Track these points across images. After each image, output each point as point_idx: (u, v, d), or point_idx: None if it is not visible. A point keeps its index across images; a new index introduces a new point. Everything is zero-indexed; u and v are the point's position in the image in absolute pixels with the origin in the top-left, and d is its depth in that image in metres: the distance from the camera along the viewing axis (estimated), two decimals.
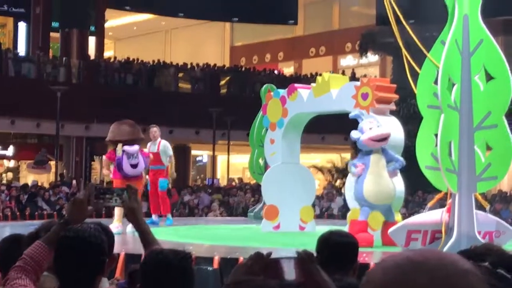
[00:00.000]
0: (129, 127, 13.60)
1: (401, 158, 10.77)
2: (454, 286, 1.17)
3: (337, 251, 3.48)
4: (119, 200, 3.11)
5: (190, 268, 2.75)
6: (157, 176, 14.52)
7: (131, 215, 3.12)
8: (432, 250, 1.25)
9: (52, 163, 27.84)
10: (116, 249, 3.23)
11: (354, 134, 10.84)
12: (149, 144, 14.68)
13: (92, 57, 31.21)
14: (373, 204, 10.66)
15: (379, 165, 10.78)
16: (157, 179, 14.50)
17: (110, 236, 2.95)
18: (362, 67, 36.47)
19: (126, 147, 13.13)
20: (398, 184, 11.84)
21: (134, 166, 13.16)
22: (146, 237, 3.10)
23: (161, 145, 14.47)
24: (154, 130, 14.66)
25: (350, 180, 12.02)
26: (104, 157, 13.63)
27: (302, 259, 2.56)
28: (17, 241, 3.89)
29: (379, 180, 10.68)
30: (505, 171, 9.24)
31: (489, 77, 9.04)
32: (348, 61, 38.21)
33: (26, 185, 22.41)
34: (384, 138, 10.69)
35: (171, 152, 14.63)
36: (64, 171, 28.06)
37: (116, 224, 12.43)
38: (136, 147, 13.23)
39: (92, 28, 32.10)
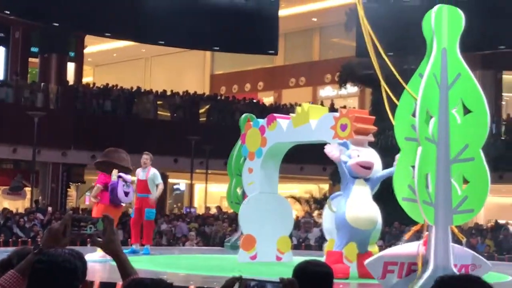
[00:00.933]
0: (126, 156, 13.40)
1: (391, 169, 10.88)
2: None
3: (313, 281, 3.47)
4: (93, 229, 3.06)
5: None
6: (144, 204, 14.34)
7: (109, 245, 3.06)
8: None
9: (28, 189, 27.58)
10: (91, 277, 3.17)
11: (343, 158, 10.88)
12: (138, 171, 14.56)
13: (71, 82, 31.12)
14: (354, 229, 10.62)
15: (363, 192, 10.83)
16: (143, 207, 14.33)
17: (83, 262, 2.91)
18: (341, 98, 36.67)
19: (123, 174, 12.95)
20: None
21: (127, 194, 13.01)
22: (124, 267, 3.04)
23: (150, 173, 14.34)
24: (146, 157, 14.56)
25: (327, 210, 11.99)
26: (95, 183, 13.32)
27: (285, 286, 2.56)
28: None
29: (362, 205, 10.73)
30: (482, 204, 9.24)
31: (466, 111, 9.08)
32: (327, 92, 38.42)
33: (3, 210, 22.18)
34: (370, 167, 10.82)
35: (159, 180, 14.44)
36: (40, 197, 27.80)
37: (101, 253, 12.18)
38: (130, 176, 13.10)
39: (72, 54, 32.05)
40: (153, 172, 14.37)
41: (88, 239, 3.10)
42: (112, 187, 12.81)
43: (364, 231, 10.76)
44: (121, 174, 12.89)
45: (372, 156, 11.73)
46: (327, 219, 12.00)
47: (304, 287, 3.26)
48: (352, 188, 10.81)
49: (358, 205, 10.75)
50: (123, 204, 13.47)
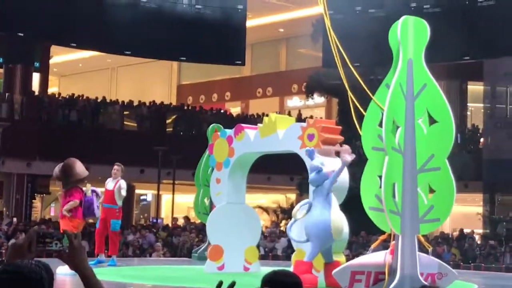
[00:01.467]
0: (79, 164, 13.01)
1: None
2: None
3: None
4: (59, 244, 3.02)
5: None
6: (109, 215, 14.22)
7: (74, 261, 3.01)
8: None
9: None
10: None
11: (316, 163, 10.84)
12: (107, 181, 14.45)
13: (36, 93, 30.83)
14: (330, 238, 10.60)
15: (336, 201, 10.90)
16: (109, 218, 14.20)
17: (50, 273, 2.87)
18: (308, 109, 36.80)
19: (95, 188, 12.85)
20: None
21: (97, 207, 12.94)
22: (89, 283, 3.00)
23: (117, 184, 14.23)
24: (116, 168, 14.45)
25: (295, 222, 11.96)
26: (75, 200, 12.69)
27: None
28: None
29: (341, 214, 10.76)
30: (447, 213, 9.33)
31: (432, 121, 9.18)
32: (294, 102, 38.55)
33: None
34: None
35: (124, 193, 14.29)
36: (4, 208, 27.45)
37: None
38: (92, 187, 12.91)
39: (37, 64, 31.74)
40: (120, 183, 14.26)
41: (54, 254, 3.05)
42: (88, 203, 12.60)
43: (333, 240, 10.77)
44: (93, 188, 12.76)
45: (336, 166, 11.80)
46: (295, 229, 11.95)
47: None
48: (332, 196, 10.79)
49: (340, 214, 10.76)
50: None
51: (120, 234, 21.07)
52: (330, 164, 11.43)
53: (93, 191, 12.71)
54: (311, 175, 10.88)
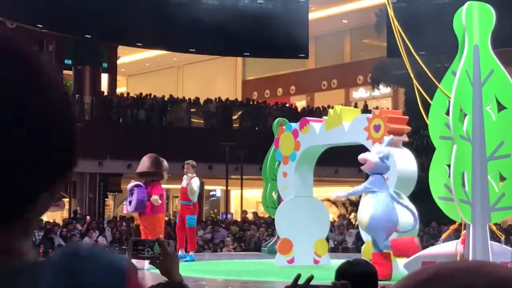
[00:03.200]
0: (146, 159, 13.50)
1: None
2: None
3: (358, 281, 3.40)
4: (150, 252, 3.10)
5: None
6: (184, 211, 14.45)
7: (167, 268, 3.08)
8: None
9: (66, 200, 27.90)
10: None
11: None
12: (183, 178, 14.70)
13: (105, 93, 31.43)
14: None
15: None
16: (185, 214, 14.43)
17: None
18: (375, 100, 36.49)
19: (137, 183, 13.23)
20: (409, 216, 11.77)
21: (129, 203, 13.17)
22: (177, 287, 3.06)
23: (190, 181, 14.43)
24: (185, 166, 14.67)
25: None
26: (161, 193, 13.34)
27: None
28: None
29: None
30: None
31: (501, 107, 9.02)
32: (360, 93, 38.26)
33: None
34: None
35: (195, 188, 14.39)
36: (78, 207, 28.10)
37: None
38: (131, 183, 13.28)
39: (105, 65, 32.36)
40: (192, 180, 14.40)
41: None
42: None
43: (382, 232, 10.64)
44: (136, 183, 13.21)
45: (404, 157, 11.71)
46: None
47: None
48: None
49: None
50: (149, 214, 13.49)
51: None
52: (398, 155, 11.35)
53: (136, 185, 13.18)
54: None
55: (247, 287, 10.27)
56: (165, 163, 13.30)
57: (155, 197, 12.84)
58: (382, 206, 10.40)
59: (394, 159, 11.72)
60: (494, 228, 9.29)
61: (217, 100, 31.92)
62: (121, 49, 34.34)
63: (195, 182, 14.41)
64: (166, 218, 23.62)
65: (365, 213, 10.66)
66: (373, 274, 3.54)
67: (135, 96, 31.13)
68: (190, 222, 14.42)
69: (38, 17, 27.34)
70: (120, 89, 37.19)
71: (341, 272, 3.52)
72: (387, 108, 32.36)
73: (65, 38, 30.51)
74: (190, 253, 14.65)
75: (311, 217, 13.53)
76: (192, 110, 30.98)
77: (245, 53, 33.47)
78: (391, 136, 11.13)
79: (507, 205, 9.00)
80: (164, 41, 30.81)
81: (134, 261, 3.08)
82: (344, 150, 14.61)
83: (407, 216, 10.45)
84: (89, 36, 28.93)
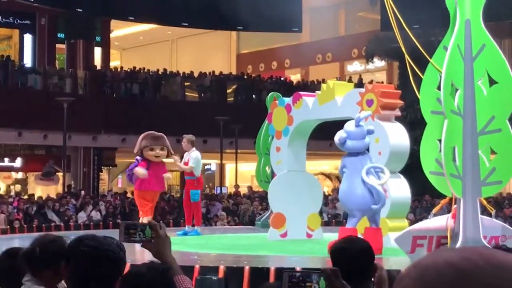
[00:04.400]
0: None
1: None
2: None
3: (357, 258, 3.37)
4: (142, 235, 3.09)
5: (169, 282, 2.71)
6: (188, 186, 14.49)
7: (157, 253, 3.08)
8: (489, 254, 0.95)
9: (60, 174, 27.90)
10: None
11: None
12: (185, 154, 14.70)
13: (98, 67, 31.30)
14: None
15: None
16: (188, 189, 14.46)
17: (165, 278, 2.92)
18: (369, 73, 36.43)
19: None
20: (403, 190, 11.80)
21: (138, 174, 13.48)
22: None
23: (189, 157, 14.43)
24: (183, 141, 14.67)
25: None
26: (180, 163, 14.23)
27: (328, 276, 2.53)
28: (14, 256, 3.87)
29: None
30: (510, 175, 9.19)
31: (492, 82, 9.00)
32: (355, 67, 38.18)
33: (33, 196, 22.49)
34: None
35: (191, 163, 14.36)
36: (72, 182, 28.11)
37: None
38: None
39: (98, 39, 32.20)
40: (191, 154, 14.38)
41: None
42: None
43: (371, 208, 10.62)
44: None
45: (396, 131, 11.71)
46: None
47: (344, 265, 3.16)
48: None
49: None
50: (159, 187, 13.77)
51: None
52: (390, 129, 11.34)
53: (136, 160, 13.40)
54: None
55: (240, 261, 10.30)
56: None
57: (167, 175, 13.63)
58: (348, 185, 10.37)
59: (387, 133, 11.73)
60: (484, 202, 9.31)
61: (212, 74, 31.82)
62: (114, 22, 34.15)
63: (194, 156, 14.33)
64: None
65: (339, 193, 10.81)
66: (370, 250, 3.52)
67: (128, 70, 31.02)
68: (194, 196, 14.43)
69: None
70: (114, 63, 37.03)
71: (338, 251, 3.46)
72: (382, 82, 32.33)
73: (58, 11, 30.32)
74: (196, 227, 14.69)
75: (304, 191, 13.56)
76: (186, 84, 30.90)
77: (238, 27, 33.31)
78: (368, 113, 11.08)
79: (497, 180, 9.02)
80: (156, 15, 30.66)
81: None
82: (339, 123, 14.58)
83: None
84: (81, 10, 28.74)
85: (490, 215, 9.62)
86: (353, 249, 3.43)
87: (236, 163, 29.14)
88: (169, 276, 2.71)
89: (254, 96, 30.89)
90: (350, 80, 28.51)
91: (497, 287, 0.90)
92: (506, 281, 0.91)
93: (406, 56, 9.92)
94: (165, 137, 13.84)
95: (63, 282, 3.53)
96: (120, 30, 38.90)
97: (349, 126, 10.53)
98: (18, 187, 31.41)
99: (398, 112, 12.23)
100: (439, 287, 0.91)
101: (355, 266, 3.26)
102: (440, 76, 8.95)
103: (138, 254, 9.14)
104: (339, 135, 10.48)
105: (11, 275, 3.69)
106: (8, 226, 17.87)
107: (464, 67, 8.89)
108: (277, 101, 14.37)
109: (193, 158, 14.30)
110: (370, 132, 10.55)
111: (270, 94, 17.02)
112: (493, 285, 0.90)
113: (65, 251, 3.06)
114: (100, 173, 31.06)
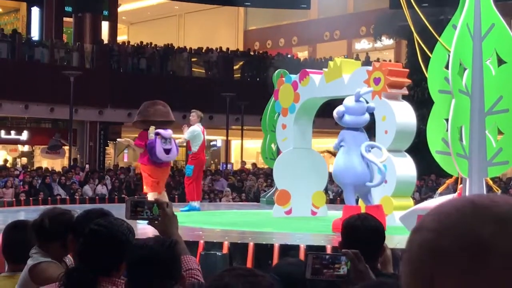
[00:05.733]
0: (163, 107, 12.62)
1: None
2: None
3: (370, 236, 3.32)
4: (149, 213, 3.10)
5: (175, 256, 2.72)
6: (187, 161, 14.40)
7: (164, 231, 3.08)
8: (503, 196, 0.99)
9: (66, 148, 27.96)
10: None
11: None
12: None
13: (105, 41, 31.24)
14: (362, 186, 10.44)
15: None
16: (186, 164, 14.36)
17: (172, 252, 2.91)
18: (377, 51, 36.27)
19: (161, 130, 12.22)
20: (409, 169, 11.77)
21: (167, 151, 12.31)
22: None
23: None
24: (191, 114, 14.43)
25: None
26: (133, 143, 12.62)
27: (352, 259, 2.51)
28: (22, 228, 3.89)
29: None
30: None
31: (501, 62, 8.96)
32: (362, 45, 38.01)
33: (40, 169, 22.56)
34: None
35: (186, 136, 14.13)
36: (78, 156, 28.17)
37: None
38: (170, 131, 12.44)
39: (105, 13, 32.10)
40: (188, 128, 14.23)
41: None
42: (150, 146, 12.15)
43: (365, 186, 10.55)
44: (158, 130, 12.18)
45: (403, 110, 11.66)
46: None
47: (354, 243, 3.12)
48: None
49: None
50: (169, 162, 13.07)
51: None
52: (397, 108, 11.31)
53: (156, 134, 12.18)
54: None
55: (244, 237, 10.31)
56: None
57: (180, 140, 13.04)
58: (345, 160, 10.27)
59: (394, 112, 11.70)
60: (490, 182, 9.31)
61: (219, 50, 31.73)
62: None
63: (189, 131, 14.09)
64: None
65: (333, 167, 10.67)
66: (382, 228, 3.49)
67: (135, 45, 30.95)
68: (187, 171, 14.44)
69: None
70: (121, 38, 36.94)
71: (352, 228, 3.39)
72: (390, 61, 32.19)
73: None
74: (191, 202, 14.53)
75: (310, 169, 13.55)
76: (193, 59, 30.84)
77: (246, 3, 33.15)
78: (369, 89, 11.00)
79: (504, 160, 9.00)
80: None
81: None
82: None
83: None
84: None
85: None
86: (367, 226, 3.38)
87: (242, 139, 29.15)
88: (176, 250, 2.71)
89: (261, 73, 30.81)
90: (357, 58, 28.39)
91: None
92: None
93: (415, 35, 9.87)
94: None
95: (69, 256, 3.56)
96: (127, 4, 38.78)
97: (349, 101, 10.45)
98: (24, 160, 31.50)
99: (405, 91, 12.19)
100: (460, 220, 0.93)
101: (365, 245, 3.16)
102: (449, 55, 8.91)
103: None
104: (337, 109, 10.39)
105: (19, 247, 3.72)
106: (14, 199, 17.95)
107: (473, 46, 8.85)
108: (284, 78, 14.33)
109: (189, 131, 14.09)
110: (370, 109, 10.50)
111: (277, 71, 16.97)
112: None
113: (73, 225, 3.08)
114: (106, 147, 31.11)
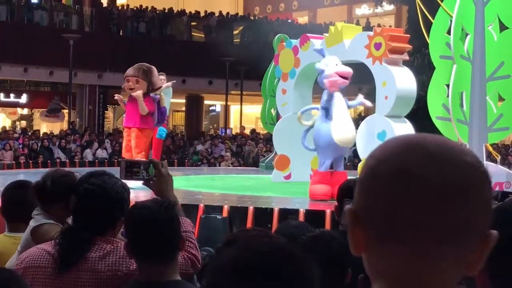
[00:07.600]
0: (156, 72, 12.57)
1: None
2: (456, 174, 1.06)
3: None
4: (145, 173, 3.10)
5: (175, 217, 2.73)
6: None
7: (159, 191, 3.09)
8: (435, 135, 1.14)
9: (66, 111, 27.93)
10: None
11: (320, 66, 10.39)
12: None
13: (105, 4, 31.02)
14: (340, 148, 10.35)
15: (344, 108, 10.52)
16: None
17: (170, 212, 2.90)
18: (377, 17, 36.07)
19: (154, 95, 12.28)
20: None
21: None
22: None
23: None
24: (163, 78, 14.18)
25: (362, 129, 11.84)
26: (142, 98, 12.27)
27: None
28: (23, 188, 3.90)
29: (347, 123, 10.33)
30: None
31: (502, 27, 8.92)
32: (363, 10, 37.80)
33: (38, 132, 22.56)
34: (347, 77, 10.30)
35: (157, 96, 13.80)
36: (77, 119, 28.15)
37: None
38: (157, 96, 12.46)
39: None
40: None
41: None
42: (164, 109, 12.38)
43: (343, 150, 10.54)
44: (156, 97, 12.32)
45: (404, 75, 11.60)
46: (361, 138, 11.83)
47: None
48: (333, 104, 10.45)
49: (344, 124, 10.28)
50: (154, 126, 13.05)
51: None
52: (398, 74, 11.28)
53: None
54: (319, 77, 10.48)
55: (243, 201, 10.35)
56: None
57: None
58: (318, 125, 10.26)
59: (394, 77, 11.66)
60: (490, 148, 9.33)
61: (218, 14, 31.54)
62: None
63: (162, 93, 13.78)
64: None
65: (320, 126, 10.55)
66: None
67: (135, 8, 30.75)
68: (161, 133, 13.84)
69: None
70: (120, 1, 36.68)
71: (346, 190, 3.44)
72: (390, 26, 32.01)
73: None
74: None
75: (309, 134, 13.53)
76: (192, 23, 30.66)
77: None
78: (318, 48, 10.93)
79: (504, 126, 9.01)
80: None
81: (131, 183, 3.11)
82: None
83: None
84: None
85: (495, 161, 9.65)
86: None
87: (241, 104, 29.11)
88: (174, 211, 2.72)
89: (260, 37, 30.65)
90: (357, 24, 28.24)
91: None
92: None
93: (417, 0, 9.81)
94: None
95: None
96: None
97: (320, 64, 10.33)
98: (23, 123, 31.48)
99: (406, 57, 12.11)
100: (396, 151, 1.10)
101: None
102: (451, 21, 8.87)
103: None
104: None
105: (19, 207, 3.73)
106: (14, 162, 17.98)
107: (475, 11, 8.80)
108: (284, 43, 14.25)
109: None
110: (320, 51, 10.40)
111: (277, 36, 16.89)
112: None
113: (76, 186, 3.08)
114: (106, 111, 31.07)
